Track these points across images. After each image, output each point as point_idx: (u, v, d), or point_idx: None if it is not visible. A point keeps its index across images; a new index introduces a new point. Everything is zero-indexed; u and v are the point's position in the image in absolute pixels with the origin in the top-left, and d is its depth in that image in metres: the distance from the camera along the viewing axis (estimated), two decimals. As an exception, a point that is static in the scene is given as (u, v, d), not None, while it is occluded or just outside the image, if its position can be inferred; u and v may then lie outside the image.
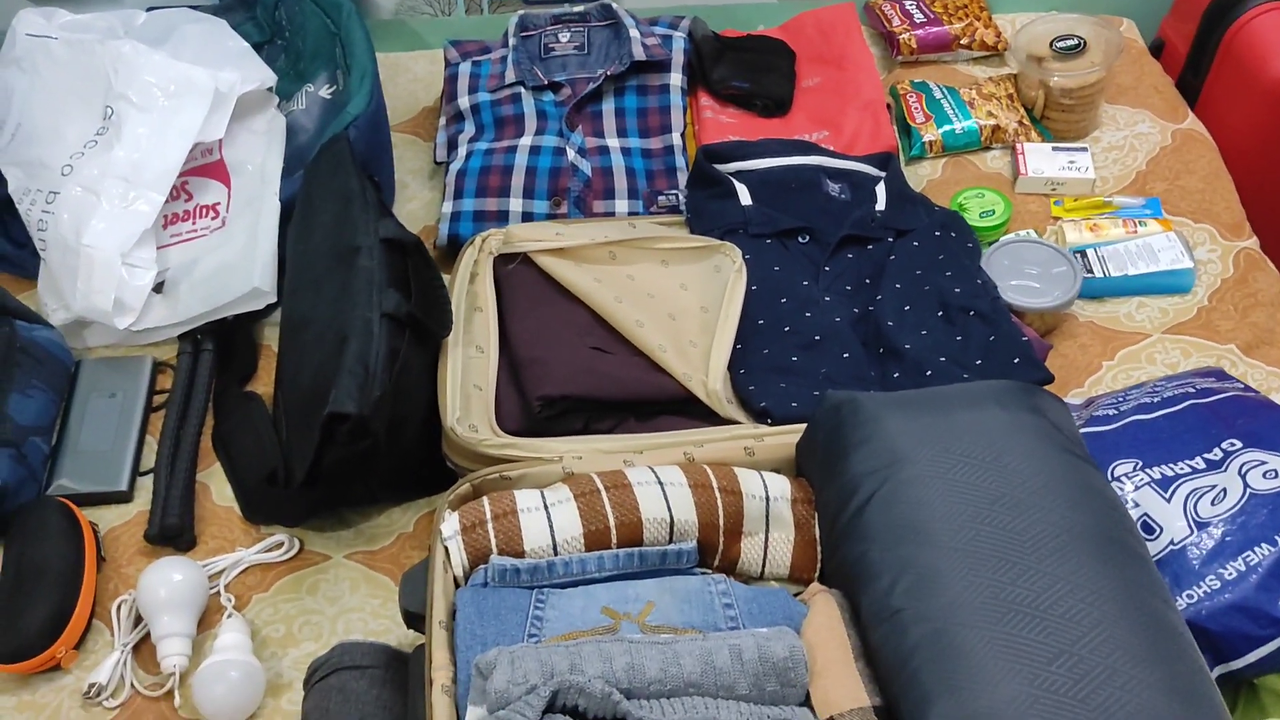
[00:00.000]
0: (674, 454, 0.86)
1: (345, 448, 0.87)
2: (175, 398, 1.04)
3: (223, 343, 1.09)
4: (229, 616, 0.89)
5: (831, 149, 1.18)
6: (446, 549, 0.78)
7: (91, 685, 0.85)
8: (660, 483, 0.81)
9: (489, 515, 0.79)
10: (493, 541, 0.78)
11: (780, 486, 0.84)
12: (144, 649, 0.89)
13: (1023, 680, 0.64)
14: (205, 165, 1.14)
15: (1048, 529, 0.71)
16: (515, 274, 1.05)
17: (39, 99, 1.13)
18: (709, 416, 0.95)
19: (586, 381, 0.94)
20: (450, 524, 0.79)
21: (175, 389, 1.04)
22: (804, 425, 0.86)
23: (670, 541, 0.80)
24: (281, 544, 0.95)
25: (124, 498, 0.98)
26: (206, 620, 0.90)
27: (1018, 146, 1.23)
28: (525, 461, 0.86)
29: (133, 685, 0.87)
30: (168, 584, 0.88)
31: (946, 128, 1.24)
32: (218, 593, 0.91)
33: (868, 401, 0.81)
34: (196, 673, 0.84)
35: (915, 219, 1.10)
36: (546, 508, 0.80)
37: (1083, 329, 1.09)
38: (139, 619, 0.89)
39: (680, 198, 1.16)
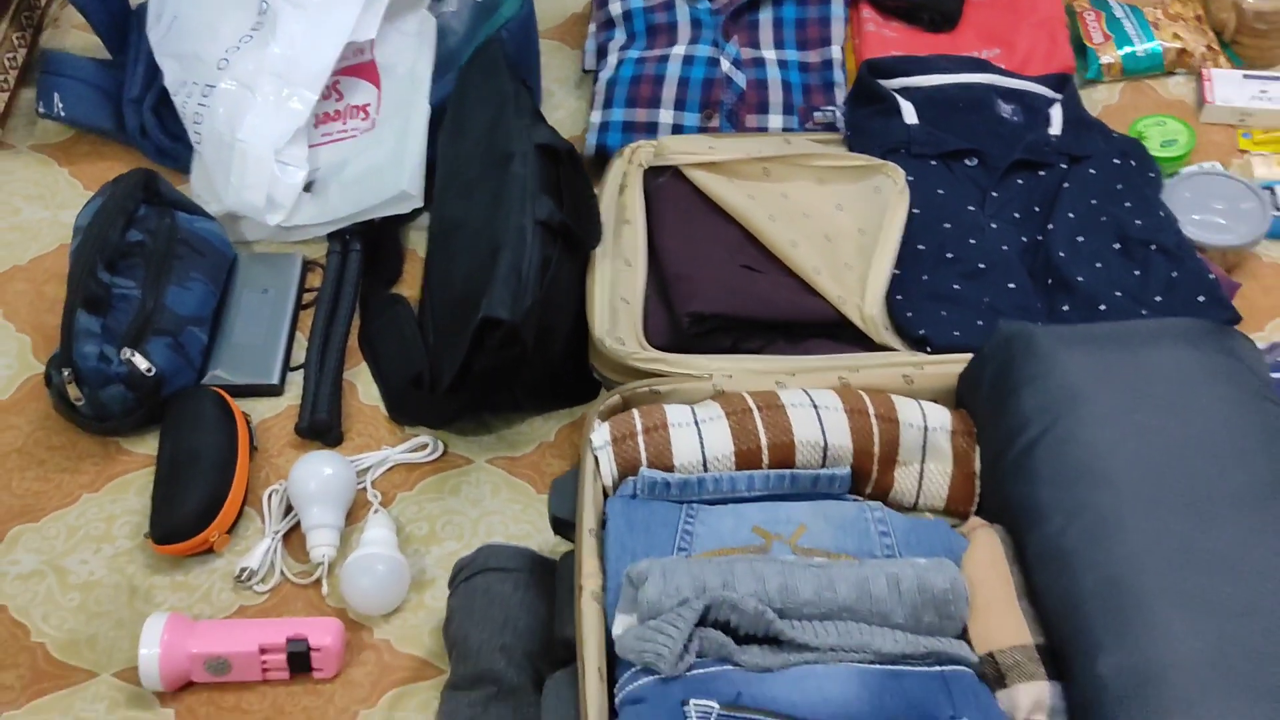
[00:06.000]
0: (828, 378, 0.84)
1: (495, 354, 0.87)
2: (324, 296, 1.05)
3: (370, 244, 1.09)
4: (375, 512, 0.90)
5: (1003, 68, 1.12)
6: (596, 458, 0.77)
7: (243, 570, 0.88)
8: (815, 405, 0.79)
9: (639, 428, 0.78)
10: (643, 454, 0.77)
11: (940, 417, 0.81)
12: (293, 538, 0.91)
13: (1208, 635, 0.60)
14: (356, 65, 1.14)
15: (1243, 480, 0.66)
16: (666, 188, 1.02)
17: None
18: (861, 341, 0.92)
19: (737, 300, 0.91)
20: (601, 434, 0.78)
21: (324, 287, 1.05)
22: (966, 355, 0.82)
23: (823, 466, 0.78)
24: (426, 445, 0.95)
25: (275, 391, 1.00)
26: (353, 515, 0.92)
27: (1204, 73, 1.15)
28: (674, 377, 0.84)
29: (282, 572, 0.89)
30: (318, 477, 0.89)
31: (1127, 49, 1.16)
32: (364, 489, 0.93)
33: (1042, 335, 0.77)
34: (344, 564, 0.86)
35: (1092, 145, 1.04)
36: (697, 424, 0.78)
37: (1266, 269, 1.02)
38: (289, 509, 0.91)
39: (838, 114, 1.11)
